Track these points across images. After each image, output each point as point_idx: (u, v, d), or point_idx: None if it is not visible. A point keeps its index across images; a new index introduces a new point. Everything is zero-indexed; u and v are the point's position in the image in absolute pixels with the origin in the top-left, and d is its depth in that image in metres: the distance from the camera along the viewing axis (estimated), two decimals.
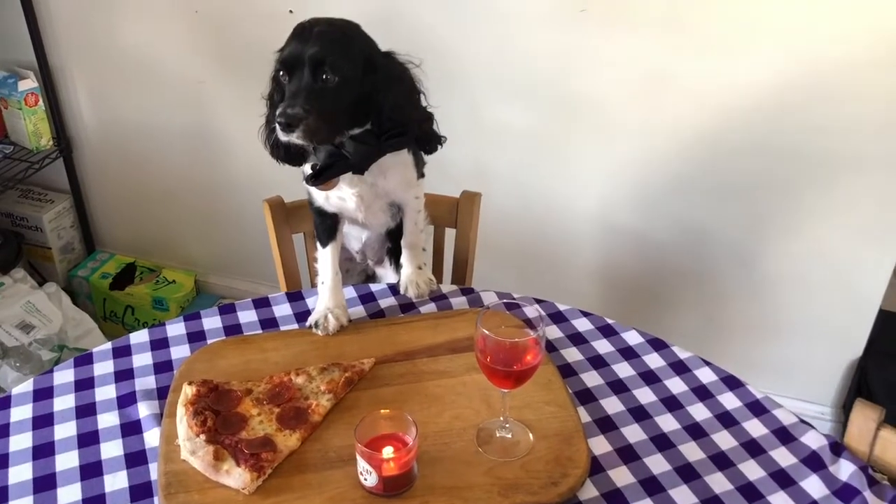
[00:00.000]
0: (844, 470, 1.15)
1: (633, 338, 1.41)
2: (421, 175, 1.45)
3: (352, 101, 1.24)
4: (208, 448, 1.11)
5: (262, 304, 1.48)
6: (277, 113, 1.20)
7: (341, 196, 1.36)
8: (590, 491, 1.12)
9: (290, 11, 2.16)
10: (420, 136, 1.32)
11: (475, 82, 2.10)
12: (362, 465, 1.07)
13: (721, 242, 2.12)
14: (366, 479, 1.07)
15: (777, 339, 2.20)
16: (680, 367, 1.35)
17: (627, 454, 1.18)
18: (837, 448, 1.19)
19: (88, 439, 1.19)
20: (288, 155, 1.31)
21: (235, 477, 1.09)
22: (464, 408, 1.22)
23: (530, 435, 1.17)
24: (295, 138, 1.20)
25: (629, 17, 1.92)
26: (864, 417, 1.18)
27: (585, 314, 1.46)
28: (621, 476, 1.14)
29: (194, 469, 1.11)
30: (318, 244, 1.45)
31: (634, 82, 2.00)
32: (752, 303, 2.18)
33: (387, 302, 1.49)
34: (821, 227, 2.02)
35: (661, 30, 1.91)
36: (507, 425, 1.17)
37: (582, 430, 1.19)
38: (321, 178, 1.27)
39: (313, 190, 1.38)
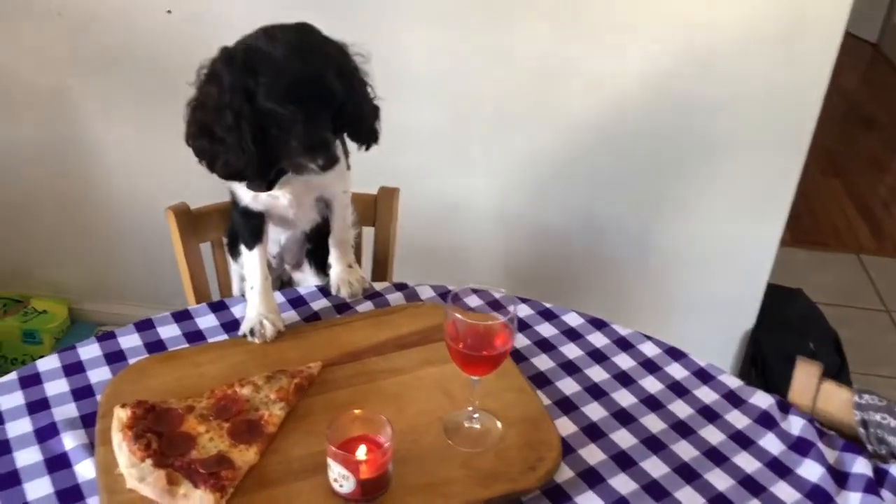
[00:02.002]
0: (795, 425, 1.20)
1: (573, 319, 1.41)
2: (348, 166, 1.39)
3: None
4: (159, 472, 1.01)
5: (182, 317, 1.36)
6: (313, 160, 1.15)
7: (273, 194, 1.28)
8: (565, 472, 1.10)
9: (169, 11, 2.04)
10: (366, 129, 1.27)
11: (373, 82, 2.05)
12: (337, 470, 1.00)
13: (617, 227, 2.18)
14: (341, 486, 1.00)
15: (673, 315, 2.28)
16: (624, 344, 1.36)
17: (593, 432, 1.18)
18: (784, 406, 1.24)
19: (8, 481, 1.05)
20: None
21: (196, 500, 0.99)
22: (425, 403, 1.18)
23: (498, 423, 1.14)
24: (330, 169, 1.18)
25: (518, 9, 1.94)
26: (806, 374, 1.24)
27: (524, 300, 1.45)
28: (593, 454, 1.14)
29: (144, 498, 1.00)
30: (244, 247, 1.35)
31: (526, 75, 2.02)
32: (648, 282, 2.25)
33: (319, 304, 1.42)
34: (710, 206, 2.12)
35: (549, 20, 1.94)
36: (476, 415, 1.13)
37: (547, 413, 1.17)
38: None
39: (240, 190, 1.29)
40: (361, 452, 1.01)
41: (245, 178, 1.22)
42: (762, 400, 1.25)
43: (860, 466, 1.11)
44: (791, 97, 1.94)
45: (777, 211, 2.08)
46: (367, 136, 1.29)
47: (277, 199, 1.29)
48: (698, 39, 1.91)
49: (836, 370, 2.25)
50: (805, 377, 1.24)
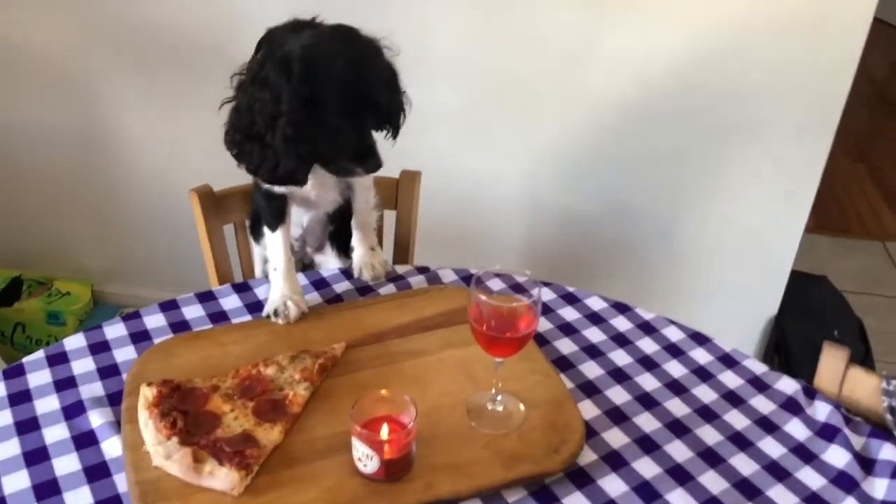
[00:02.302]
0: (821, 411, 1.19)
1: (596, 303, 1.41)
2: None
3: None
4: (185, 450, 1.01)
5: (206, 298, 1.37)
6: (362, 166, 1.21)
7: None
8: (589, 455, 1.10)
9: None
10: (392, 123, 1.29)
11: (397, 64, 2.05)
12: (361, 450, 1.00)
13: (641, 212, 2.17)
14: (365, 465, 1.01)
15: (696, 302, 2.27)
16: (647, 328, 1.36)
17: (616, 416, 1.17)
18: (810, 392, 1.23)
19: (36, 457, 1.06)
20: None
21: (221, 478, 0.99)
22: (447, 384, 1.18)
23: (521, 405, 1.14)
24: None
25: None
26: (834, 358, 1.23)
27: (546, 284, 1.44)
28: (616, 437, 1.13)
29: (170, 475, 1.01)
30: (267, 229, 1.36)
31: (554, 58, 2.00)
32: (673, 269, 2.24)
33: (342, 286, 1.42)
34: (735, 192, 2.09)
35: (579, 2, 1.92)
36: (499, 398, 1.13)
37: (570, 396, 1.17)
38: None
39: None
40: (385, 432, 1.01)
41: (295, 184, 1.22)
42: (787, 385, 1.24)
43: (887, 452, 1.10)
44: (818, 83, 1.92)
45: (802, 197, 2.06)
46: (392, 129, 1.29)
47: None
48: (725, 24, 1.89)
49: (861, 358, 2.23)
50: (832, 362, 1.22)
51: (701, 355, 1.30)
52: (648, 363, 1.28)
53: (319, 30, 1.19)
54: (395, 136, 1.30)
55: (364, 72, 1.16)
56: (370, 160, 1.20)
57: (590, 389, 1.22)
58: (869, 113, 4.13)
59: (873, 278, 2.95)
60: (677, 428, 1.15)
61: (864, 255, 3.10)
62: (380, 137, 1.29)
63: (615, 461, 1.09)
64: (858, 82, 1.93)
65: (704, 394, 1.22)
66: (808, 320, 2.22)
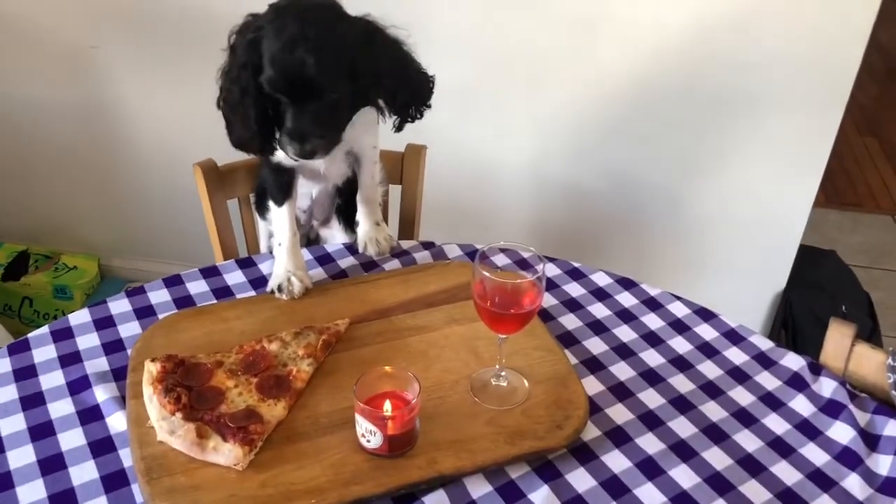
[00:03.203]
0: (826, 387, 1.18)
1: (601, 279, 1.40)
2: (377, 119, 1.37)
3: (351, 101, 1.23)
4: (189, 426, 1.02)
5: (211, 273, 1.37)
6: (291, 147, 1.18)
7: None
8: (592, 431, 1.10)
9: None
10: (399, 107, 1.27)
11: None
12: (364, 425, 1.00)
13: (649, 188, 2.15)
14: (368, 441, 1.01)
15: (704, 276, 2.26)
16: (653, 304, 1.35)
17: (620, 392, 1.17)
18: (815, 368, 1.22)
19: (42, 431, 1.07)
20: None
21: (225, 453, 1.00)
22: (451, 360, 1.18)
23: (525, 381, 1.14)
24: (315, 158, 1.22)
25: None
26: (840, 335, 1.22)
27: (551, 259, 1.43)
28: (619, 413, 1.13)
29: (175, 450, 1.01)
30: (273, 204, 1.35)
31: (558, 27, 1.98)
32: (681, 244, 2.23)
33: (347, 262, 1.42)
34: (743, 165, 2.07)
35: None
36: (503, 373, 1.13)
37: (575, 372, 1.16)
38: None
39: None
40: (388, 408, 1.01)
41: (251, 151, 1.26)
42: (793, 362, 1.23)
43: (892, 429, 1.10)
44: (829, 56, 1.88)
45: (811, 171, 2.03)
46: (399, 120, 1.28)
47: None
48: None
49: (869, 333, 2.22)
50: (838, 338, 1.22)
51: (706, 331, 1.29)
52: (653, 339, 1.27)
53: (294, 4, 1.17)
54: (399, 129, 1.30)
55: (306, 53, 1.11)
56: (297, 144, 1.17)
57: (594, 365, 1.21)
58: (880, 87, 4.08)
59: (882, 252, 2.93)
60: (681, 404, 1.15)
61: (873, 229, 3.08)
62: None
63: (619, 437, 1.09)
64: (869, 56, 1.90)
65: (709, 370, 1.22)
66: (816, 295, 2.21)
